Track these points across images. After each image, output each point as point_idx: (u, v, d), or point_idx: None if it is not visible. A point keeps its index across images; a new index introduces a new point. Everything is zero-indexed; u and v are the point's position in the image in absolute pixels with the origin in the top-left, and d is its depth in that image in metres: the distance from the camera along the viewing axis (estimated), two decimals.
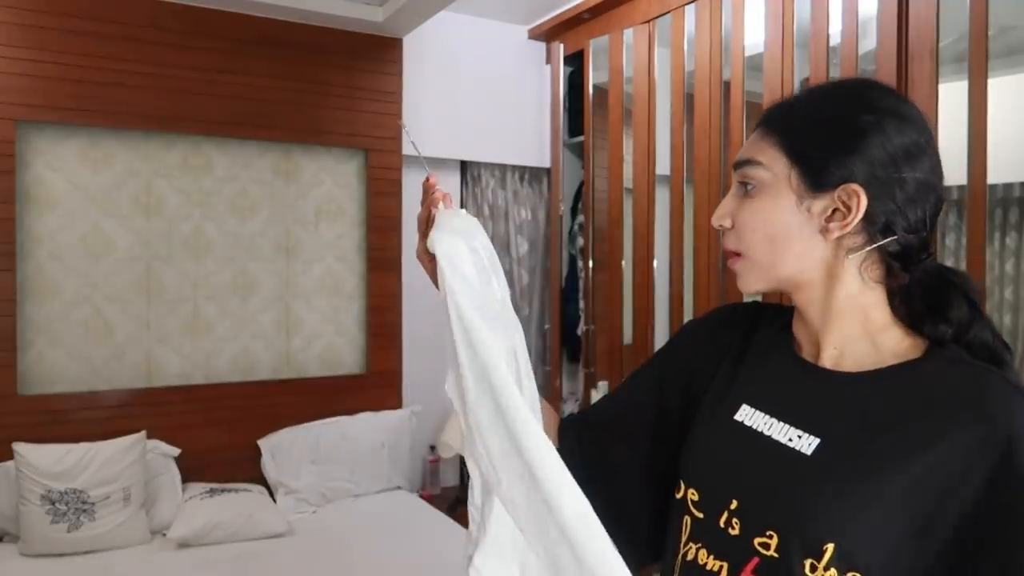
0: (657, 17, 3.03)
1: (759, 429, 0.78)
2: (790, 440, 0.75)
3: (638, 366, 1.02)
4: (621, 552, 0.72)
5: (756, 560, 0.72)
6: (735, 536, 0.75)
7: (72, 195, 2.90)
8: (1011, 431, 0.64)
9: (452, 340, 0.80)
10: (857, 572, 0.67)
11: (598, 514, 0.73)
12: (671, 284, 2.97)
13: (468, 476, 3.27)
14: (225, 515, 2.68)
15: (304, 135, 3.25)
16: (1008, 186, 2.08)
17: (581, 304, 3.61)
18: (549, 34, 3.68)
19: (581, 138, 3.58)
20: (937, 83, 2.06)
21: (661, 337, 3.04)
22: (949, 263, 2.18)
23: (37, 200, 2.85)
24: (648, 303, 3.10)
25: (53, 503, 2.53)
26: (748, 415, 0.80)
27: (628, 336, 3.19)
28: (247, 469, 3.08)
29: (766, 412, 0.79)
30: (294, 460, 3.08)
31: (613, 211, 3.32)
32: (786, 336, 0.84)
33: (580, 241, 3.66)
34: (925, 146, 0.75)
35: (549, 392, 3.77)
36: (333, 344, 3.40)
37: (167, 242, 3.06)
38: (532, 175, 3.86)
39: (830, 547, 0.67)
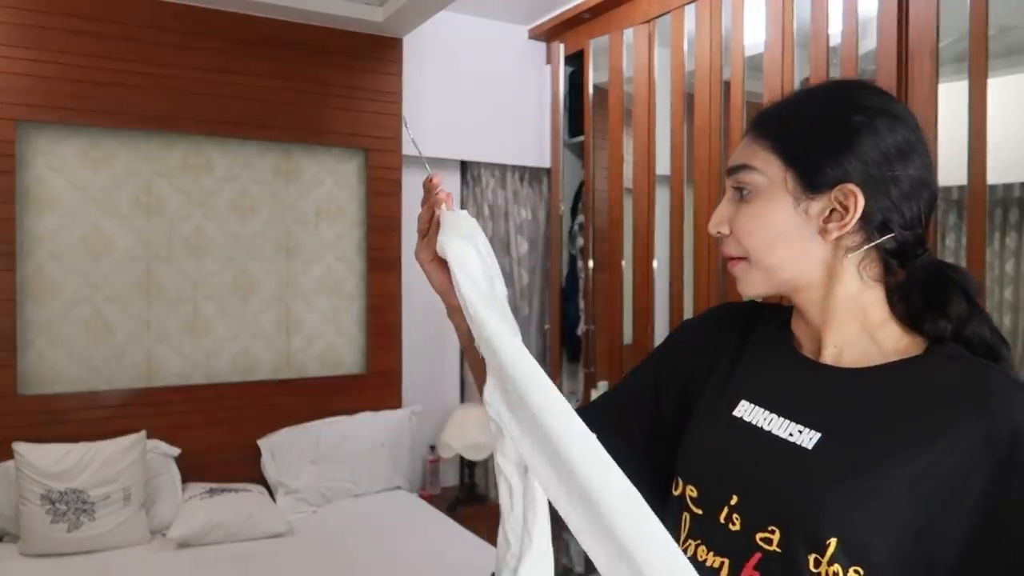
0: (657, 17, 3.03)
1: (758, 424, 0.78)
2: (791, 435, 0.75)
3: (637, 364, 1.02)
4: None
5: (758, 555, 0.72)
6: (736, 532, 0.75)
7: (72, 195, 2.90)
8: (1014, 426, 0.65)
9: (484, 351, 0.77)
10: (861, 567, 0.67)
11: None
12: (671, 284, 2.97)
13: (469, 477, 3.29)
14: (225, 515, 2.68)
15: (304, 135, 3.25)
16: (1008, 186, 2.08)
17: (581, 304, 3.61)
18: (549, 34, 3.68)
19: (581, 138, 3.58)
20: (937, 83, 2.06)
21: (661, 337, 3.03)
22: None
23: (37, 200, 2.85)
24: (648, 303, 3.10)
25: (53, 503, 2.53)
26: (747, 411, 0.80)
27: (628, 336, 3.19)
28: (247, 469, 3.08)
29: (765, 408, 0.79)
30: (294, 460, 3.08)
31: (613, 211, 3.32)
32: (785, 334, 0.85)
33: (580, 241, 3.66)
34: (916, 143, 0.76)
35: None
36: (333, 344, 3.41)
37: (167, 242, 3.06)
38: (532, 175, 3.86)
39: (833, 542, 0.68)
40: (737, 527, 0.75)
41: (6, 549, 2.58)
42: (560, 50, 3.64)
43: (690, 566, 0.61)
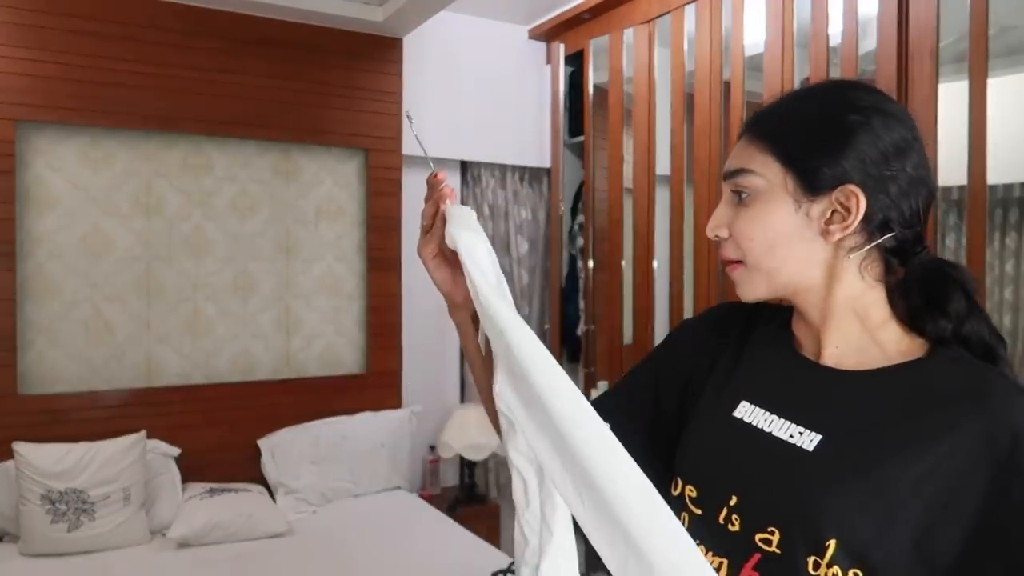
0: (657, 17, 3.03)
1: (759, 425, 0.78)
2: (791, 436, 0.75)
3: (636, 364, 1.02)
4: None
5: (758, 556, 0.73)
6: (735, 532, 0.75)
7: (72, 195, 2.90)
8: (1014, 428, 0.65)
9: (494, 341, 0.76)
10: (860, 569, 0.67)
11: None
12: (671, 284, 2.97)
13: (469, 477, 3.29)
14: (225, 515, 2.68)
15: (304, 135, 3.25)
16: (1008, 186, 2.08)
17: (581, 304, 3.61)
18: (549, 34, 3.68)
19: (581, 138, 3.58)
20: (937, 83, 2.06)
21: (661, 337, 3.02)
22: None
23: (37, 200, 2.85)
24: (648, 303, 3.10)
25: (53, 503, 2.53)
26: (747, 412, 0.80)
27: (628, 336, 3.19)
28: (247, 469, 3.08)
29: (766, 409, 0.79)
30: (294, 460, 3.08)
31: (613, 211, 3.32)
32: (786, 334, 0.85)
33: (580, 241, 3.66)
34: (913, 141, 0.76)
35: None
36: (333, 344, 3.41)
37: (167, 242, 3.06)
38: (532, 175, 3.86)
39: (833, 543, 0.68)
40: (736, 527, 0.75)
41: (6, 549, 2.58)
42: (560, 50, 3.64)
43: (701, 556, 0.61)
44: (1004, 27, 1.97)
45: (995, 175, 1.94)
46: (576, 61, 3.60)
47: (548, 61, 3.78)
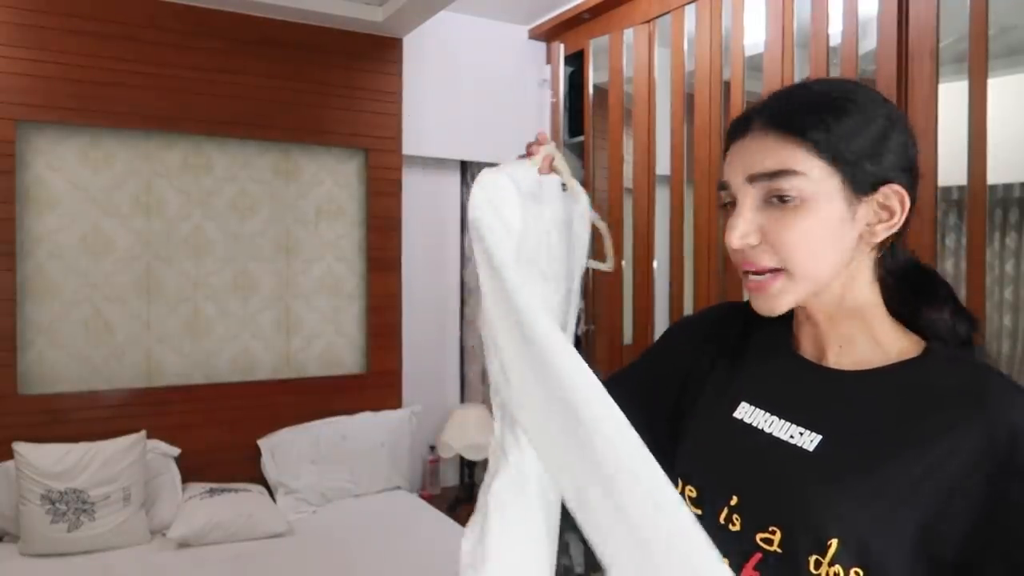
0: (657, 17, 3.03)
1: (759, 426, 0.78)
2: (791, 437, 0.75)
3: (633, 360, 1.01)
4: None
5: (759, 556, 0.73)
6: (736, 532, 0.75)
7: (72, 195, 2.90)
8: (1013, 428, 0.65)
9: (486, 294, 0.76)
10: (862, 568, 0.67)
11: None
12: (671, 284, 2.97)
13: (469, 477, 3.30)
14: (225, 515, 2.68)
15: (304, 135, 3.25)
16: (1008, 186, 2.08)
17: (581, 304, 3.60)
18: (549, 34, 3.68)
19: (581, 138, 3.58)
20: (937, 83, 2.06)
21: (661, 330, 3.04)
22: (949, 263, 2.19)
23: (37, 200, 2.85)
24: (648, 303, 3.10)
25: (53, 503, 2.53)
26: (747, 412, 0.80)
27: (628, 336, 3.19)
28: (247, 469, 3.08)
29: (766, 409, 0.79)
30: (294, 460, 3.08)
31: (613, 211, 3.32)
32: (784, 334, 0.85)
33: None
34: (912, 135, 0.77)
35: None
36: (333, 344, 3.41)
37: (167, 242, 3.06)
38: None
39: (834, 542, 0.68)
40: (737, 527, 0.75)
41: (6, 549, 2.58)
42: (560, 50, 3.64)
43: (679, 500, 0.64)
44: (1004, 27, 1.97)
45: (995, 175, 1.94)
46: (576, 61, 3.60)
47: (548, 61, 3.78)
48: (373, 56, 3.35)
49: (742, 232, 0.74)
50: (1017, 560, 0.64)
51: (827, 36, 2.33)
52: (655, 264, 3.08)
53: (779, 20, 2.49)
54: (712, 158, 2.78)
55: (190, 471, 2.94)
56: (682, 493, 0.82)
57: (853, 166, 0.72)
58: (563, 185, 0.86)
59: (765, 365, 0.84)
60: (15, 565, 2.48)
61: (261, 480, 3.08)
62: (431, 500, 3.29)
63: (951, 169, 2.00)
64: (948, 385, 0.70)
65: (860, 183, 0.72)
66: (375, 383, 3.41)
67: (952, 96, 2.02)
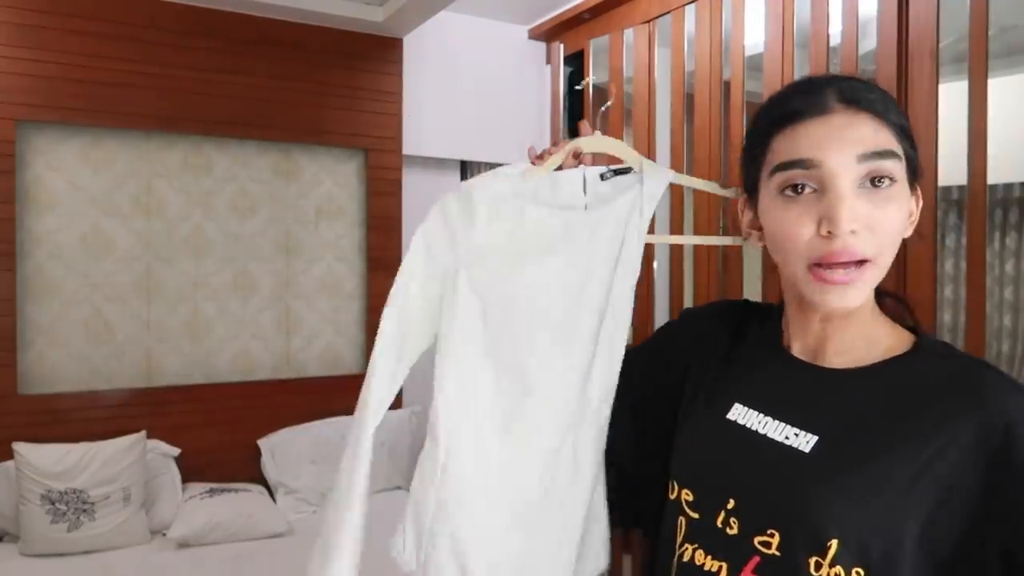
0: (657, 17, 3.03)
1: (753, 428, 0.77)
2: (787, 438, 0.74)
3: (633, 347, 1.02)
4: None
5: (757, 559, 0.72)
6: (733, 535, 0.74)
7: (72, 195, 2.90)
8: (1008, 422, 0.65)
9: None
10: (862, 567, 0.67)
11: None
12: (671, 284, 2.97)
13: None
14: (225, 515, 2.68)
15: (304, 135, 3.25)
16: (1008, 186, 2.08)
17: None
18: (549, 34, 3.68)
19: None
20: (937, 83, 2.06)
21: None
22: (949, 263, 2.19)
23: (37, 200, 2.85)
24: (648, 303, 3.09)
25: (53, 503, 2.53)
26: (741, 414, 0.79)
27: (628, 336, 3.18)
28: (247, 469, 3.08)
29: (759, 411, 0.78)
30: (294, 460, 3.08)
31: None
32: (774, 333, 0.84)
33: None
34: None
35: None
36: (333, 344, 3.41)
37: (167, 242, 3.06)
38: None
39: (834, 543, 0.67)
40: (735, 531, 0.74)
41: (6, 549, 2.58)
42: (560, 50, 3.64)
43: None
44: (1004, 27, 1.97)
45: (995, 175, 1.94)
46: (576, 61, 3.60)
47: (548, 61, 3.78)
48: (373, 56, 3.35)
49: (850, 217, 0.68)
50: (1014, 554, 0.64)
51: (827, 36, 2.33)
52: (655, 264, 3.08)
53: (779, 20, 2.49)
54: (712, 158, 2.78)
55: (190, 471, 2.94)
56: (678, 497, 0.82)
57: (913, 158, 0.73)
58: (608, 173, 0.89)
59: (758, 366, 0.83)
60: (15, 565, 2.48)
61: (261, 480, 3.08)
62: None
63: (951, 169, 2.00)
64: (942, 380, 0.70)
65: (914, 176, 0.73)
66: None
67: (952, 96, 2.02)
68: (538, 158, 0.95)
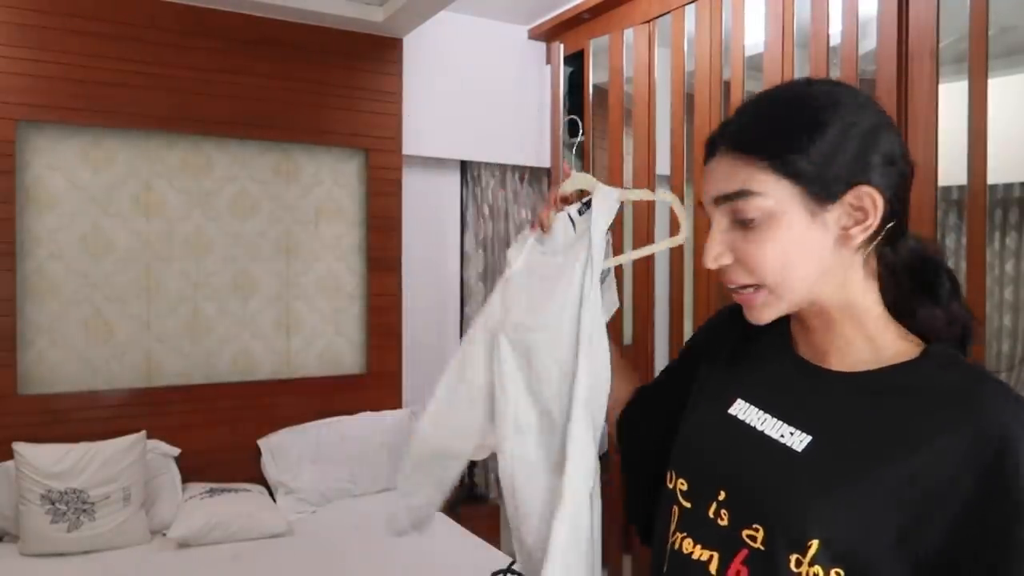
0: (657, 17, 3.03)
1: (751, 423, 0.78)
2: (782, 436, 0.75)
3: (641, 364, 1.08)
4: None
5: (746, 551, 0.73)
6: (724, 527, 0.75)
7: (72, 195, 2.90)
8: (1002, 434, 0.64)
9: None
10: (842, 568, 0.67)
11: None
12: (671, 284, 2.97)
13: (469, 477, 3.29)
14: (225, 515, 2.68)
15: (304, 135, 3.25)
16: (1008, 186, 2.08)
17: None
18: (549, 34, 3.68)
19: (581, 138, 3.58)
20: (937, 83, 2.06)
21: (661, 337, 3.05)
22: (949, 263, 2.19)
23: (37, 200, 2.85)
24: (648, 303, 3.09)
25: (53, 503, 2.53)
26: (742, 410, 0.81)
27: (628, 336, 3.19)
28: (247, 469, 3.08)
29: (760, 407, 0.79)
30: (294, 460, 3.08)
31: None
32: (784, 334, 0.85)
33: None
34: (889, 123, 0.74)
35: None
36: (333, 344, 3.40)
37: (167, 242, 3.06)
38: (532, 175, 3.86)
39: (815, 543, 0.68)
40: (725, 522, 0.75)
41: (6, 549, 2.58)
42: (560, 50, 3.64)
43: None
44: (1004, 27, 1.97)
45: (995, 175, 1.94)
46: (576, 61, 3.60)
47: (548, 61, 3.78)
48: (373, 56, 3.35)
49: (715, 254, 0.76)
50: (993, 562, 0.63)
51: (827, 36, 2.33)
52: (655, 275, 3.08)
53: (779, 20, 2.49)
54: None
55: (190, 471, 2.94)
56: (675, 486, 0.83)
57: (812, 176, 0.71)
58: (582, 207, 1.00)
59: (765, 365, 0.84)
60: (15, 565, 2.48)
61: (261, 480, 3.08)
62: None
63: (951, 169, 2.00)
64: (939, 389, 0.69)
65: (823, 191, 0.71)
66: (375, 383, 3.41)
67: (952, 96, 2.02)
68: (539, 224, 1.04)
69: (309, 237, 3.34)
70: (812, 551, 0.68)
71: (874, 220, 0.71)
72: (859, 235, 0.72)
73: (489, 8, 3.52)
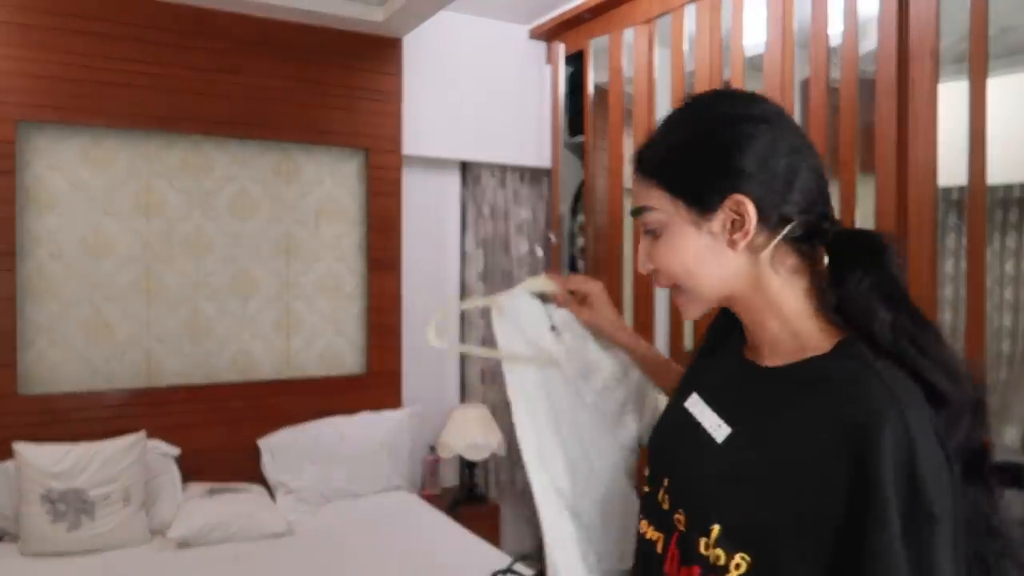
0: (657, 17, 3.03)
1: (696, 416, 0.85)
2: (711, 428, 0.82)
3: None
4: None
5: (676, 534, 0.81)
6: (666, 511, 0.84)
7: (72, 195, 2.90)
8: (867, 426, 0.67)
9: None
10: (749, 555, 0.72)
11: None
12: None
13: (469, 477, 3.32)
14: (225, 515, 2.68)
15: (304, 135, 3.25)
16: (1008, 186, 2.08)
17: None
18: (550, 34, 3.68)
19: (581, 138, 3.58)
20: (937, 83, 2.06)
21: (661, 337, 3.05)
22: (949, 263, 2.19)
23: (37, 200, 2.85)
24: (648, 303, 3.10)
25: (53, 503, 2.53)
26: (694, 403, 0.87)
27: None
28: (247, 469, 3.08)
29: (706, 402, 0.86)
30: (294, 460, 3.08)
31: (613, 211, 3.32)
32: (740, 336, 0.90)
33: (580, 241, 3.66)
34: (779, 128, 0.79)
35: None
36: (333, 344, 3.41)
37: (167, 242, 3.06)
38: (532, 175, 3.86)
39: (716, 528, 0.74)
40: (667, 507, 0.84)
41: (6, 549, 2.58)
42: (560, 50, 3.64)
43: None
44: (1004, 27, 1.97)
45: (995, 175, 1.94)
46: (576, 61, 3.60)
47: (548, 61, 3.78)
48: (373, 56, 3.35)
49: (640, 261, 0.87)
50: (869, 540, 0.66)
51: (827, 36, 2.33)
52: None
53: (779, 20, 2.49)
54: None
55: (190, 471, 2.94)
56: (644, 473, 0.92)
57: (687, 190, 0.80)
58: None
59: (720, 362, 0.91)
60: (15, 565, 2.48)
61: (261, 480, 3.08)
62: (431, 500, 3.29)
63: (951, 169, 2.00)
64: (835, 380, 0.73)
65: (700, 203, 0.79)
66: (375, 383, 3.41)
67: (952, 96, 2.02)
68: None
69: (309, 237, 3.34)
70: (714, 535, 0.74)
71: (750, 225, 0.77)
72: (740, 240, 0.78)
73: (489, 8, 3.52)
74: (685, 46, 2.89)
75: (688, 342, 2.93)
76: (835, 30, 2.31)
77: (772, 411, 0.77)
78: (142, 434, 2.76)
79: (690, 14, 2.86)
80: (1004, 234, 2.08)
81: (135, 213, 3.01)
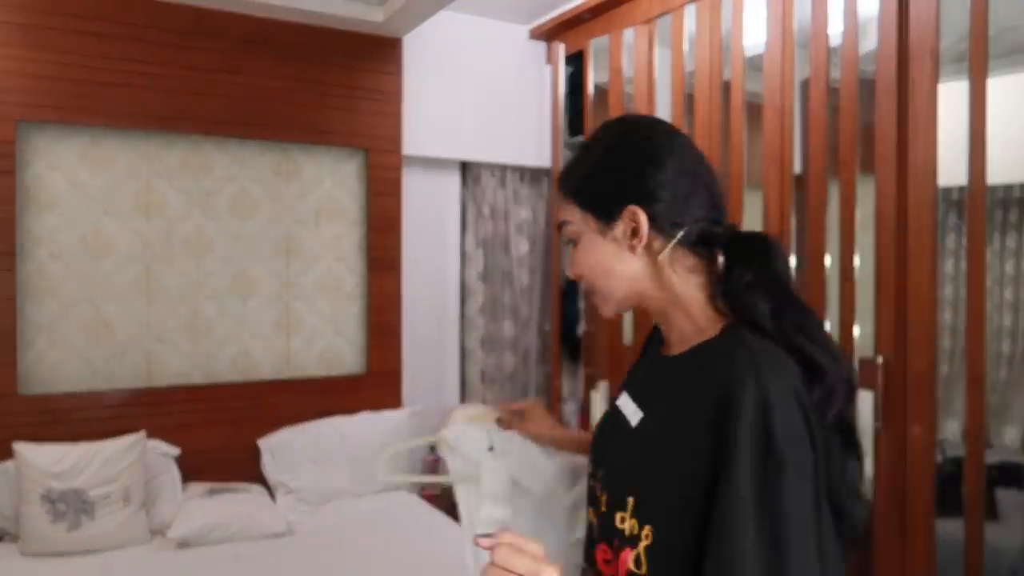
0: (657, 17, 3.03)
1: (623, 409, 0.95)
2: (630, 416, 0.92)
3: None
4: None
5: (600, 513, 0.91)
6: (598, 496, 0.93)
7: (72, 195, 2.90)
8: (725, 398, 0.76)
9: None
10: (651, 526, 0.81)
11: None
12: None
13: None
14: (225, 515, 2.68)
15: (304, 135, 3.25)
16: (1008, 186, 2.08)
17: (581, 304, 3.60)
18: (550, 34, 3.68)
19: (581, 138, 3.58)
20: (937, 83, 2.06)
21: None
22: (949, 263, 2.19)
23: (37, 200, 2.85)
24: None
25: (53, 503, 2.53)
26: (623, 400, 0.97)
27: (628, 336, 3.19)
28: (247, 469, 3.08)
29: (631, 396, 0.95)
30: (294, 460, 3.08)
31: None
32: (661, 338, 0.99)
33: None
34: (662, 145, 0.90)
35: (549, 392, 3.77)
36: (333, 344, 3.41)
37: (167, 242, 3.06)
38: (532, 175, 3.86)
39: (630, 501, 0.84)
40: (599, 492, 0.93)
41: (6, 549, 2.58)
42: (560, 50, 3.64)
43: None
44: (1004, 27, 1.97)
45: (995, 175, 1.94)
46: (576, 61, 3.60)
47: (548, 61, 3.78)
48: (373, 56, 3.35)
49: (568, 267, 0.99)
50: (719, 492, 0.74)
51: (827, 36, 2.33)
52: None
53: (779, 20, 2.49)
54: (712, 158, 2.76)
55: (190, 471, 2.94)
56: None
57: (592, 203, 0.91)
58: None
59: (644, 362, 1.02)
60: (15, 565, 2.48)
61: (261, 480, 3.08)
62: (431, 500, 3.29)
63: (951, 169, 2.00)
64: (711, 360, 0.83)
65: (603, 214, 0.90)
66: (375, 383, 3.41)
67: (952, 96, 2.02)
68: None
69: (309, 237, 3.34)
70: (629, 507, 0.84)
71: (643, 231, 0.88)
72: (637, 246, 0.89)
73: (489, 8, 3.52)
74: (685, 46, 2.89)
75: None
76: (835, 30, 2.31)
77: (669, 392, 0.88)
78: (142, 434, 2.76)
79: (690, 14, 2.86)
80: (1004, 234, 2.08)
81: (135, 213, 3.01)
